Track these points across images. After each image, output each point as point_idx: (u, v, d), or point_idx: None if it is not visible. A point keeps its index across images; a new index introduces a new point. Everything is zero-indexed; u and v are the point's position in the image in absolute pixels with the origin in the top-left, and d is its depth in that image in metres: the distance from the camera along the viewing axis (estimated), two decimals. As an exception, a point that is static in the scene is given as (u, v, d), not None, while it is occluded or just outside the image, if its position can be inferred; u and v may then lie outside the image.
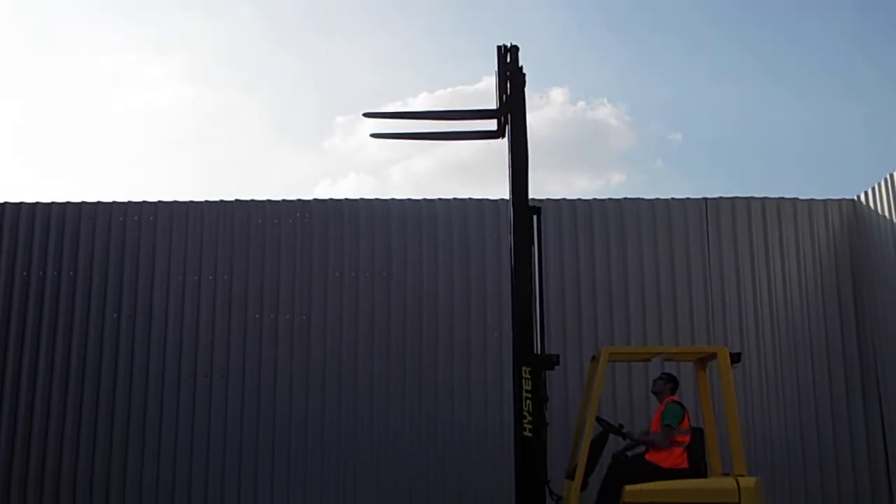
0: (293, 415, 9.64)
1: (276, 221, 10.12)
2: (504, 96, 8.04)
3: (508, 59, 8.10)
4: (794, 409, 9.66)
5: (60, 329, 9.82)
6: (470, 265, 9.95)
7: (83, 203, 10.17)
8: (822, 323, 9.89)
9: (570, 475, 7.62)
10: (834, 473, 9.50)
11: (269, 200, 10.21)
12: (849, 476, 9.49)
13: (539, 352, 7.83)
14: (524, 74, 8.06)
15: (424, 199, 10.20)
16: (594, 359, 8.20)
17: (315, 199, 10.24)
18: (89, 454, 9.55)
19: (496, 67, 8.15)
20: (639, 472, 7.49)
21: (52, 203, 10.17)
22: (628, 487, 7.30)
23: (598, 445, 7.71)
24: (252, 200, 10.20)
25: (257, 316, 9.87)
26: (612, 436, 7.92)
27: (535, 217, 7.91)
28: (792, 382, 9.73)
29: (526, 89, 7.86)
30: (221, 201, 10.20)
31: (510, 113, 7.98)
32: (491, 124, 8.21)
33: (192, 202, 10.19)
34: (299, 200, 10.21)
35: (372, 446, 9.57)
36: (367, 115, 8.76)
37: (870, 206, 9.82)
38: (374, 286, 9.92)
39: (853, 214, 10.15)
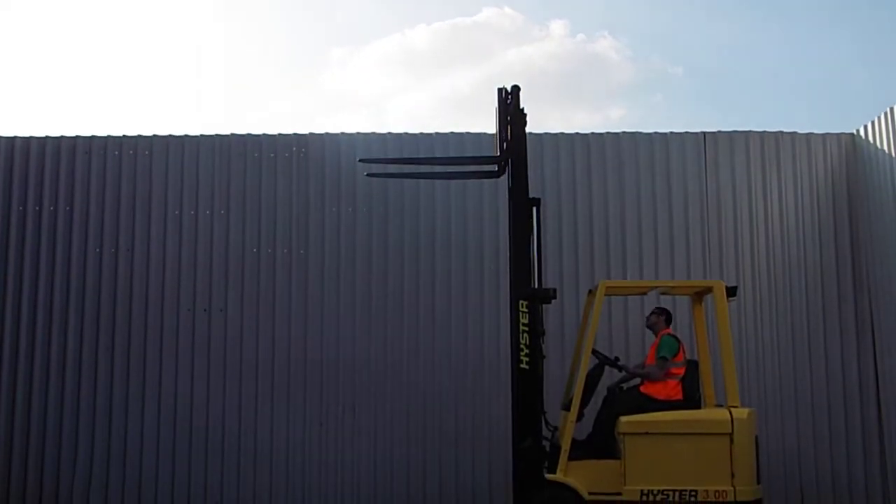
0: (291, 348, 9.71)
1: (272, 156, 10.05)
2: (504, 143, 7.97)
3: (509, 101, 8.01)
4: (787, 343, 9.74)
5: (58, 265, 9.82)
6: (467, 199, 9.92)
7: (77, 137, 10.08)
8: (818, 257, 9.91)
9: (566, 407, 7.74)
10: (825, 405, 9.62)
11: (264, 134, 10.12)
12: (840, 408, 9.61)
13: (536, 286, 7.91)
14: (525, 115, 7.98)
15: (421, 134, 10.13)
16: (591, 292, 8.27)
17: (311, 133, 10.15)
18: (90, 390, 9.63)
19: (496, 109, 8.09)
20: (634, 403, 7.62)
21: (47, 137, 10.08)
22: (623, 418, 7.44)
23: (593, 378, 7.83)
24: (248, 134, 10.12)
25: (255, 250, 9.88)
26: (607, 368, 8.03)
27: (534, 208, 8.03)
28: (786, 316, 9.79)
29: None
30: (217, 135, 10.11)
31: (511, 158, 7.91)
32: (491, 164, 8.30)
33: (187, 136, 10.10)
34: (295, 134, 10.13)
35: (370, 379, 9.67)
36: (363, 160, 8.93)
37: (868, 140, 9.77)
38: (371, 221, 9.91)
39: (852, 148, 10.10)
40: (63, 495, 9.49)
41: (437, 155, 9.92)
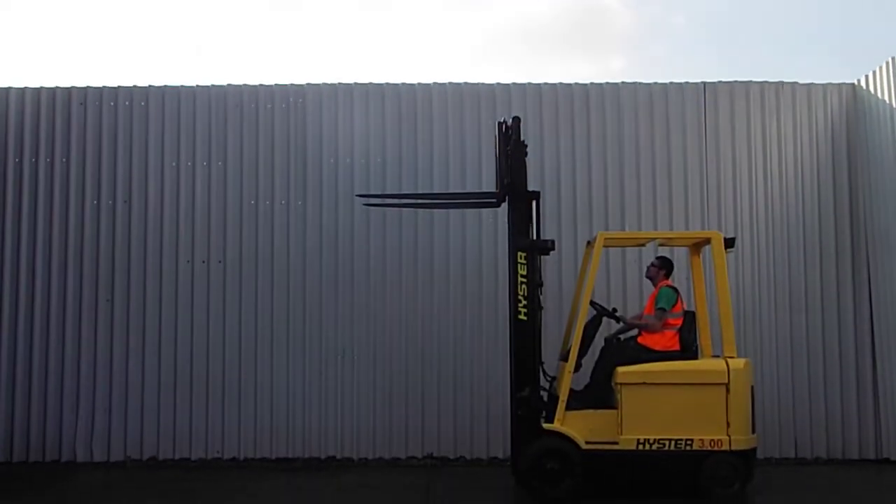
0: (290, 299, 9.75)
1: (269, 106, 9.98)
2: (504, 179, 7.85)
3: (510, 134, 7.86)
4: (784, 294, 9.78)
5: (56, 217, 9.79)
6: (465, 150, 9.88)
7: (73, 88, 10.00)
8: (817, 208, 9.91)
9: (564, 357, 7.80)
10: (821, 356, 9.69)
11: (261, 85, 10.03)
12: (835, 360, 9.68)
13: (534, 237, 7.92)
14: (526, 146, 7.85)
15: (419, 83, 10.05)
16: (589, 244, 8.28)
17: (308, 84, 10.06)
18: (91, 342, 9.67)
19: (495, 140, 7.98)
20: (631, 354, 7.68)
21: (42, 88, 9.99)
22: (620, 369, 7.51)
23: (591, 328, 7.87)
24: (244, 84, 10.03)
25: (252, 202, 9.86)
26: (605, 319, 8.08)
27: (534, 202, 7.97)
28: (784, 267, 9.82)
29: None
30: (213, 85, 10.03)
31: (510, 193, 7.83)
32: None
33: (183, 86, 10.02)
34: (292, 85, 10.04)
35: (368, 330, 9.72)
36: (360, 195, 9.03)
37: (869, 91, 9.71)
38: (369, 172, 9.87)
39: (852, 98, 10.04)
40: (66, 444, 9.59)
41: (435, 105, 9.89)
